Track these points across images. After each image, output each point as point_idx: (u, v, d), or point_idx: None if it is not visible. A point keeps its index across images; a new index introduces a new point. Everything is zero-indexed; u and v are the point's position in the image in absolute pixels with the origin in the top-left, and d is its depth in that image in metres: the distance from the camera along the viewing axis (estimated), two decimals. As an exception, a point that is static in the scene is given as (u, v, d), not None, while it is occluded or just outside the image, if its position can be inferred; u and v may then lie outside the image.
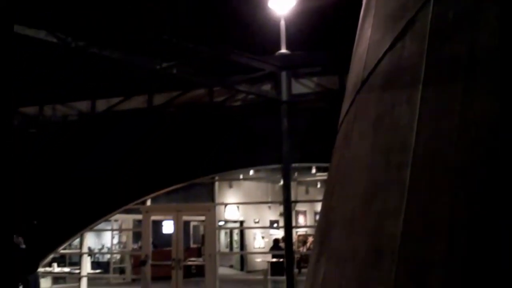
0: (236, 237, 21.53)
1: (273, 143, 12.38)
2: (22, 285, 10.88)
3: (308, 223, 21.73)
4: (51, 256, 15.63)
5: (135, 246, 19.49)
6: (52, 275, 15.81)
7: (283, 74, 11.79)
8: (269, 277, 12.86)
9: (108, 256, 19.76)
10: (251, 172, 15.95)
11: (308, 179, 18.78)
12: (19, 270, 10.67)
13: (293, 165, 12.42)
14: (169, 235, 16.75)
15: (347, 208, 7.70)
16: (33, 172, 14.92)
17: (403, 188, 5.41)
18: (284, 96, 11.70)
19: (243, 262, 20.75)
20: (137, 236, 19.77)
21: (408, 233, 5.50)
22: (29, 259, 11.09)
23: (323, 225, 9.02)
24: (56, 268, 16.19)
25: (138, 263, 14.39)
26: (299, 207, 18.82)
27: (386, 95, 6.42)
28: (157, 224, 17.36)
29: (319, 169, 15.75)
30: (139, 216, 16.45)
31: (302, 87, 12.75)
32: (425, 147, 5.44)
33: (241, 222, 20.53)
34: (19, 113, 16.10)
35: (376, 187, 6.09)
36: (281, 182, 14.12)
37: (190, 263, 16.32)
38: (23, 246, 10.95)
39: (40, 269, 12.90)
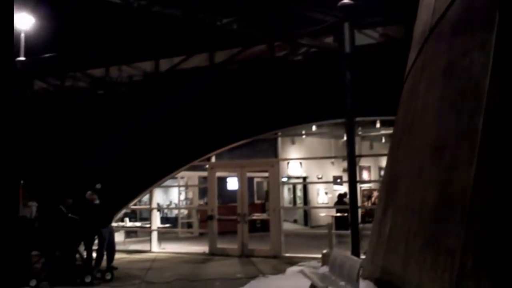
0: (299, 193, 21.63)
1: (336, 97, 12.16)
2: (98, 238, 11.47)
3: (373, 179, 21.49)
4: (123, 212, 16.42)
5: (201, 202, 20.06)
6: (124, 229, 16.63)
7: (346, 25, 11.40)
8: (333, 231, 12.85)
9: (176, 211, 20.47)
10: (314, 127, 15.83)
11: (372, 134, 18.39)
12: (95, 224, 11.26)
13: (357, 119, 12.17)
14: (233, 192, 17.07)
15: (415, 160, 7.52)
16: (103, 132, 15.53)
17: (475, 136, 5.18)
18: (347, 48, 11.36)
19: (307, 217, 20.91)
20: (202, 193, 20.32)
21: (480, 184, 5.29)
22: (103, 214, 11.62)
23: (390, 178, 8.89)
24: (128, 223, 16.98)
25: (205, 217, 14.82)
26: (363, 162, 18.57)
27: (457, 41, 6.10)
28: (221, 181, 17.69)
29: (383, 124, 15.38)
30: (204, 173, 16.85)
31: (365, 38, 12.36)
32: (499, 93, 5.16)
33: (304, 178, 20.59)
34: (87, 75, 16.70)
35: (446, 136, 5.88)
36: (345, 138, 13.93)
37: (255, 217, 16.61)
38: (97, 201, 11.50)
39: (114, 224, 13.53)
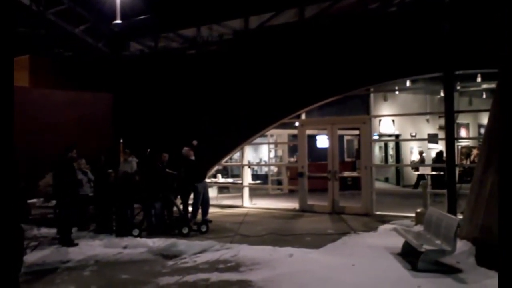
0: (391, 151, 21.08)
1: (433, 50, 11.50)
2: (193, 193, 11.91)
3: (471, 136, 20.42)
4: (216, 168, 16.93)
5: (291, 160, 20.17)
6: (217, 185, 17.18)
7: (445, -28, 10.66)
8: (428, 190, 12.40)
9: (266, 169, 20.80)
10: (408, 82, 15.18)
11: (472, 88, 17.36)
12: (190, 179, 11.70)
13: (456, 72, 11.46)
14: (322, 150, 16.97)
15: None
16: (196, 90, 15.92)
17: None
18: (446, -4, 10.65)
19: (399, 176, 20.40)
20: (292, 150, 20.43)
21: None
22: (198, 170, 12.01)
23: (491, 135, 8.35)
24: (220, 179, 17.50)
25: (296, 174, 14.89)
26: (461, 119, 17.62)
27: None
28: (311, 139, 17.60)
29: (485, 77, 14.42)
30: (293, 131, 16.86)
31: (467, -16, 11.48)
32: None
33: (397, 136, 19.98)
34: (179, 36, 17.08)
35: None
36: (441, 93, 13.22)
37: (346, 175, 16.44)
38: (193, 157, 11.89)
39: (207, 179, 13.95)
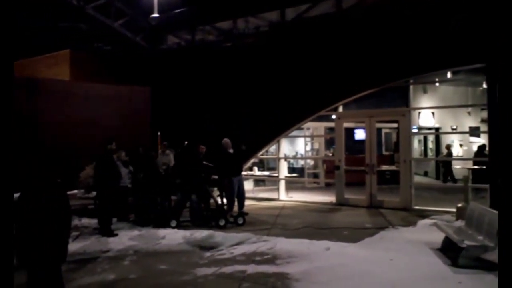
0: (431, 145, 20.62)
1: (475, 39, 11.15)
2: (227, 185, 11.94)
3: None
4: (252, 161, 16.94)
5: (327, 153, 19.99)
6: (253, 178, 17.19)
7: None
8: (470, 184, 12.06)
9: (302, 162, 20.68)
10: (449, 74, 14.78)
11: (517, 80, 16.74)
12: (228, 171, 11.74)
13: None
14: (360, 143, 16.74)
15: None
16: (232, 83, 15.95)
17: None
18: (490, -17, 10.27)
19: (439, 170, 19.94)
20: (328, 144, 20.24)
21: None
22: (235, 163, 12.04)
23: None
24: (256, 172, 17.50)
25: (333, 167, 14.75)
26: (504, 111, 17.04)
27: None
28: (347, 132, 17.37)
29: (530, 68, 13.89)
30: (330, 124, 16.68)
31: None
32: None
33: (437, 129, 19.51)
34: (216, 29, 17.13)
35: None
36: (484, 85, 12.81)
37: (384, 168, 16.18)
38: (231, 150, 11.94)
39: (243, 172, 13.98)
